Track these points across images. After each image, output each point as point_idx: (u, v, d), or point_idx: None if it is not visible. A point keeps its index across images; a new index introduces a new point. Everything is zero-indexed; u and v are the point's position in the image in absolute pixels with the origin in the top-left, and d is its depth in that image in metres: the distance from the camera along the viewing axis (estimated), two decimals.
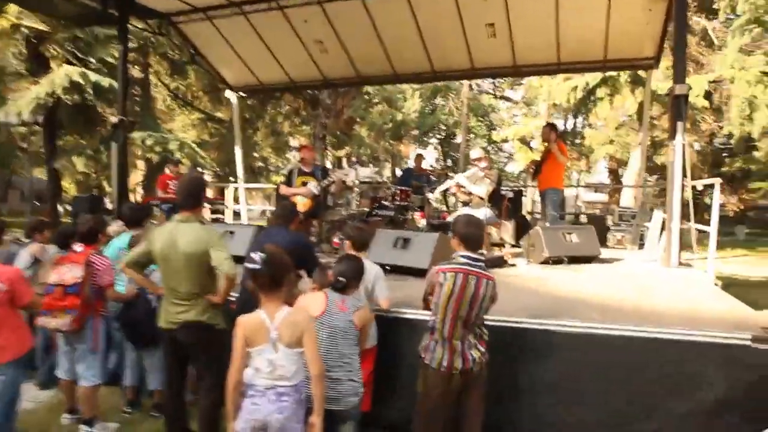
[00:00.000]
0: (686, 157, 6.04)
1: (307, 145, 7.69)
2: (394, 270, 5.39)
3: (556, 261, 6.27)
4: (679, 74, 6.23)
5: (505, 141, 22.41)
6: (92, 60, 13.74)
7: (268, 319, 2.69)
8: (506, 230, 7.98)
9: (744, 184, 20.71)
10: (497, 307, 3.39)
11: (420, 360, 3.35)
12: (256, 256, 2.72)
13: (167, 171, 9.28)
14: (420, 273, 5.17)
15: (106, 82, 12.86)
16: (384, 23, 9.63)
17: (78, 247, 4.23)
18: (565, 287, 5.02)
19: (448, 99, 23.92)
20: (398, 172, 32.25)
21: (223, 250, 3.41)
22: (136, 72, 18.29)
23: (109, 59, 14.73)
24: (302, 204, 7.28)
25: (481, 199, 6.84)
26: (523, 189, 9.98)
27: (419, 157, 10.00)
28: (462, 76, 11.39)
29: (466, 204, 7.25)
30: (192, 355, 3.58)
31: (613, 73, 11.25)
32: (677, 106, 6.12)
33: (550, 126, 8.05)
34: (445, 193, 7.99)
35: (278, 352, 2.65)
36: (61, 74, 12.13)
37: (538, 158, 8.33)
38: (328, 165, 22.86)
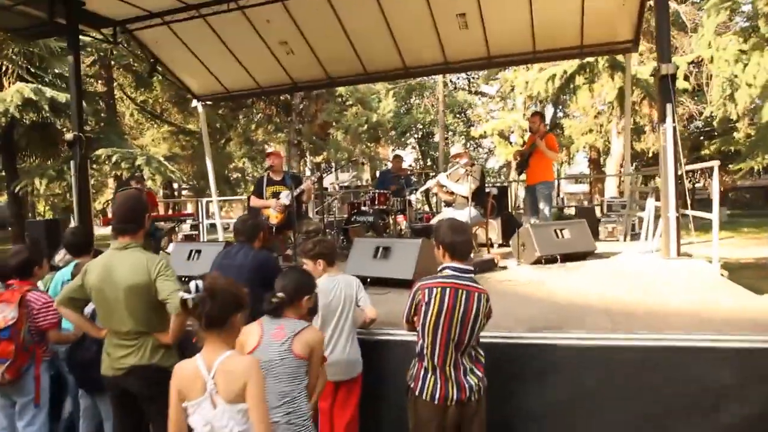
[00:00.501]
0: (677, 140, 5.66)
1: (274, 151, 7.15)
2: (375, 282, 4.92)
3: (549, 260, 5.85)
4: (665, 52, 5.86)
5: (483, 136, 22.06)
6: (46, 75, 13.03)
7: (204, 366, 2.10)
8: (493, 229, 7.55)
9: (724, 166, 20.61)
10: (492, 320, 2.94)
11: (409, 390, 2.89)
12: (193, 285, 2.16)
13: (133, 188, 8.64)
14: (404, 284, 4.72)
15: (63, 97, 12.17)
16: (350, 19, 9.18)
17: (12, 283, 3.68)
18: (564, 291, 4.59)
19: (423, 97, 23.54)
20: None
21: (170, 280, 2.89)
22: (99, 86, 17.60)
23: (66, 74, 14.05)
24: (274, 216, 6.78)
25: (465, 198, 6.40)
26: (507, 185, 9.56)
27: (397, 158, 9.56)
28: (435, 71, 10.96)
29: (449, 204, 6.81)
30: (143, 405, 3.06)
31: (591, 60, 10.92)
32: (664, 86, 5.74)
33: (539, 115, 7.62)
34: (426, 193, 7.52)
35: (217, 408, 2.07)
36: (13, 92, 11.41)
37: (522, 148, 7.90)
38: (308, 172, 22.35)
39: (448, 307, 2.73)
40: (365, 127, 19.05)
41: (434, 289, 2.77)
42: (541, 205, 7.37)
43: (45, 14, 8.59)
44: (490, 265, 5.70)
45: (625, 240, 8.12)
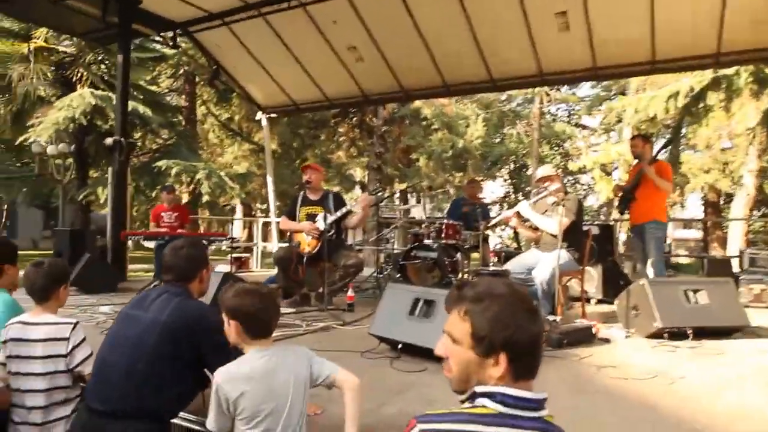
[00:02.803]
0: None
1: (312, 164, 5.84)
2: (408, 350, 3.38)
3: (675, 334, 4.02)
4: None
5: (582, 171, 19.80)
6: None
7: None
8: (590, 280, 5.76)
9: None
10: None
11: None
12: None
13: (162, 200, 7.72)
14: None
15: (137, 107, 11.78)
16: (427, 20, 7.83)
17: None
18: (711, 398, 2.80)
19: (516, 126, 21.72)
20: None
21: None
22: (182, 101, 17.50)
23: (144, 84, 13.88)
24: (307, 243, 5.44)
25: (554, 236, 4.71)
26: (612, 223, 7.63)
27: (473, 183, 7.96)
28: (528, 83, 9.32)
29: (536, 243, 5.13)
30: None
31: (729, 72, 8.69)
32: None
33: (643, 138, 5.78)
34: (497, 227, 5.89)
35: None
36: (76, 96, 11.13)
37: (623, 183, 6.07)
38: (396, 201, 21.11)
39: None
40: (450, 153, 17.56)
41: None
42: (651, 252, 5.48)
43: (98, 11, 8.03)
44: (586, 336, 3.95)
45: None
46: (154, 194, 11.90)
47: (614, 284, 6.09)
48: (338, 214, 5.39)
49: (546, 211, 4.86)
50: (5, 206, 20.69)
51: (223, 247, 8.32)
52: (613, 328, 4.22)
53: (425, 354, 3.30)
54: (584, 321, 4.12)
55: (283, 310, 5.14)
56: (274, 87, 10.02)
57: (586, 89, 30.49)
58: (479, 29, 7.73)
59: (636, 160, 5.78)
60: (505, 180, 27.98)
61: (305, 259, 5.43)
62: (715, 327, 4.10)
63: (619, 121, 21.52)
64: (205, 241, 6.91)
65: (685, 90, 8.92)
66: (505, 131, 25.49)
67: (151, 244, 6.79)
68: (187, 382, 2.12)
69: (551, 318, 4.22)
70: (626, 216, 6.14)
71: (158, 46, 13.69)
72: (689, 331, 4.00)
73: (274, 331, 1.97)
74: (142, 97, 13.39)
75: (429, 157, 18.28)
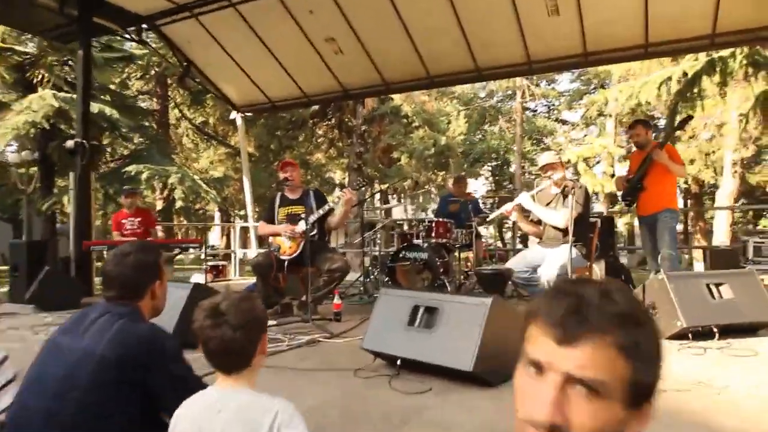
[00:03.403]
0: None
1: (289, 160, 5.32)
2: (409, 366, 2.92)
3: (700, 334, 3.63)
4: None
5: (567, 165, 19.55)
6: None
7: None
8: (593, 277, 5.34)
9: None
10: None
11: None
12: None
13: (123, 205, 7.07)
14: (457, 377, 2.72)
15: (102, 109, 11.13)
16: (409, 8, 7.40)
17: None
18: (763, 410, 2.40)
19: (498, 121, 21.41)
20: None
21: None
22: (154, 103, 16.81)
23: (112, 86, 13.21)
24: (287, 247, 4.95)
25: (560, 230, 4.31)
26: (614, 215, 7.24)
27: (459, 180, 7.53)
28: (515, 72, 8.90)
29: (539, 239, 4.72)
30: None
31: (724, 54, 8.33)
32: None
33: (644, 124, 5.39)
34: (495, 223, 5.46)
35: None
36: (35, 99, 10.45)
37: (625, 173, 5.67)
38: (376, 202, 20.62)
39: None
40: (432, 151, 17.14)
41: None
42: (664, 243, 5.10)
43: (56, 3, 7.45)
44: None
45: None
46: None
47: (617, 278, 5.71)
48: (320, 212, 4.92)
49: (550, 202, 4.45)
50: None
51: (202, 255, 7.77)
52: None
53: (428, 370, 2.86)
54: None
55: None
56: (249, 84, 9.51)
57: (565, 84, 30.41)
58: (464, 15, 7.33)
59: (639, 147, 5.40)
60: (487, 178, 27.71)
61: (286, 264, 4.94)
62: (742, 324, 3.72)
63: (601, 114, 21.39)
64: (177, 249, 6.39)
65: (677, 75, 8.62)
66: (486, 128, 25.22)
67: None
68: None
69: None
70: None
71: (126, 46, 13.07)
72: (715, 330, 3.61)
73: (249, 364, 1.44)
74: (109, 99, 12.72)
75: (411, 156, 17.85)
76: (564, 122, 27.38)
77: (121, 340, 1.59)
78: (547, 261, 4.13)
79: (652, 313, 0.71)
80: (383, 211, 8.75)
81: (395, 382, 2.82)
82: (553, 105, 27.61)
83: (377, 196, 20.93)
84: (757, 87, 8.31)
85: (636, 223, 10.87)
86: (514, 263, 4.30)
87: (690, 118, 5.33)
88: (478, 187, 28.07)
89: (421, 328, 2.91)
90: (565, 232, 4.31)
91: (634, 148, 5.60)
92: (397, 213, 18.88)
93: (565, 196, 4.34)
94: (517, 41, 7.55)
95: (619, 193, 5.44)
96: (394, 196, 26.12)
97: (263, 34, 8.37)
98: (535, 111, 27.27)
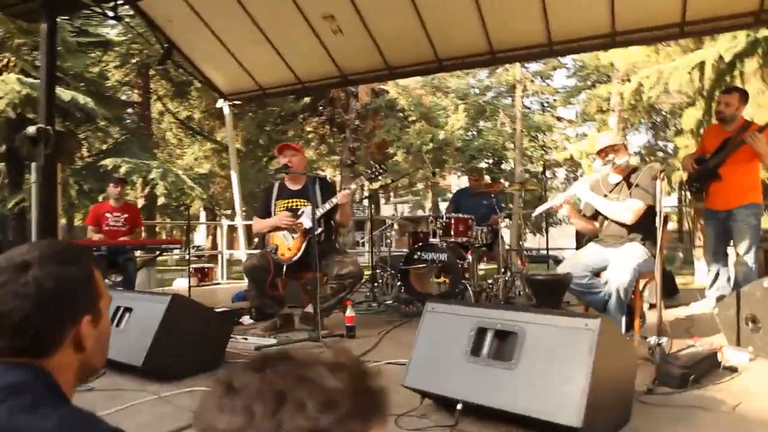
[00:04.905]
0: None
1: (290, 143, 4.44)
2: (473, 411, 2.10)
3: None
4: None
5: (571, 161, 18.81)
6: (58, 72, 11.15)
7: None
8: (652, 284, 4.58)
9: None
10: None
11: None
12: None
13: (109, 195, 6.12)
14: (546, 430, 1.90)
15: (74, 97, 10.16)
16: None
17: None
18: None
19: (499, 116, 20.65)
20: (443, 206, 28.49)
21: None
22: (135, 96, 15.81)
23: (87, 73, 12.19)
24: (287, 248, 4.10)
25: (624, 226, 3.52)
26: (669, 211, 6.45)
27: (475, 173, 6.76)
28: (532, 55, 8.06)
29: (587, 237, 3.93)
30: None
31: (762, 35, 7.53)
32: None
33: (741, 93, 4.50)
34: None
35: None
36: (1, 84, 9.44)
37: (696, 153, 4.82)
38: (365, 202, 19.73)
39: None
40: (430, 146, 16.34)
41: None
42: (743, 245, 4.33)
43: None
44: (712, 366, 2.74)
45: None
46: (101, 198, 10.31)
47: (668, 285, 4.98)
48: (327, 205, 4.08)
49: (611, 191, 3.65)
50: None
51: (186, 257, 6.90)
52: (729, 350, 3.02)
53: (505, 420, 2.03)
54: (699, 344, 2.92)
55: (260, 340, 3.82)
56: (238, 69, 8.61)
57: (560, 80, 29.82)
58: None
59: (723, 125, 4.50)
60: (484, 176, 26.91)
61: (285, 268, 4.10)
62: None
63: (601, 110, 20.75)
64: (157, 251, 5.52)
65: (713, 58, 7.86)
66: (482, 125, 24.49)
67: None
68: None
69: (650, 339, 3.02)
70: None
71: (103, 31, 12.11)
72: None
73: None
74: (84, 87, 11.74)
75: (407, 151, 17.04)
76: (560, 119, 26.74)
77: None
78: (615, 264, 3.34)
79: None
80: (372, 210, 7.90)
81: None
82: (548, 102, 26.96)
83: (366, 193, 20.14)
84: None
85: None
86: (570, 266, 3.50)
87: None
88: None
89: (489, 360, 2.09)
90: (630, 228, 3.52)
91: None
92: (386, 214, 18.09)
93: (630, 185, 3.55)
94: (538, 18, 6.77)
95: (684, 175, 4.61)
96: (384, 195, 25.29)
97: (254, 11, 7.49)
98: (529, 108, 26.62)
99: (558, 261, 6.58)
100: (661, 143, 21.22)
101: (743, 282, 4.44)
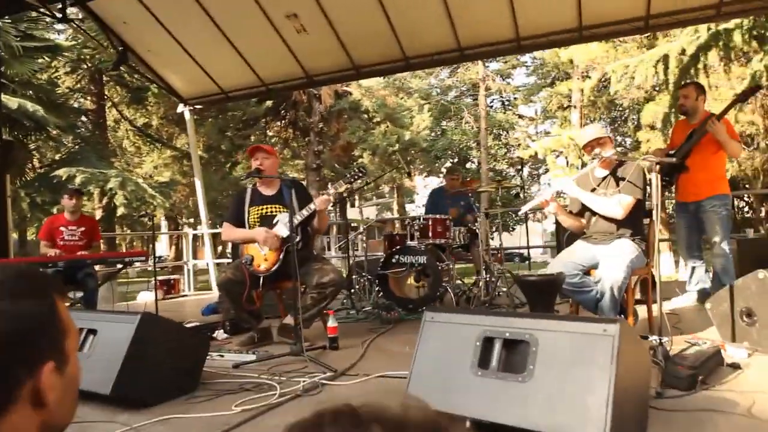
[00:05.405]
0: None
1: (262, 145, 4.21)
2: (481, 428, 1.94)
3: None
4: None
5: (535, 158, 18.99)
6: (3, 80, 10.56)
7: None
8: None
9: None
10: None
11: None
12: None
13: (64, 207, 5.68)
14: None
15: (20, 103, 9.62)
16: None
17: None
18: None
19: (462, 118, 20.71)
20: (410, 208, 28.36)
21: None
22: (88, 104, 15.16)
23: (36, 81, 11.58)
24: (263, 258, 3.87)
25: (612, 221, 3.43)
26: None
27: (452, 172, 6.64)
28: (501, 51, 7.99)
29: (572, 234, 3.83)
30: None
31: (729, 26, 7.69)
32: None
33: (696, 86, 4.64)
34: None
35: None
36: None
37: (667, 148, 4.86)
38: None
39: None
40: (397, 147, 16.21)
41: None
42: (716, 236, 4.33)
43: None
44: (716, 365, 2.65)
45: None
46: (56, 210, 9.77)
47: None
48: (305, 212, 3.87)
49: (598, 185, 3.57)
50: None
51: (150, 269, 6.57)
52: (730, 346, 2.95)
53: None
54: (702, 340, 2.83)
55: (238, 357, 3.58)
56: (198, 72, 8.29)
57: (521, 78, 30.22)
58: None
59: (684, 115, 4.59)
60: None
61: (261, 280, 3.87)
62: None
63: (562, 107, 21.05)
64: (119, 264, 5.19)
65: (675, 51, 7.97)
66: (445, 125, 24.57)
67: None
68: None
69: (650, 339, 2.92)
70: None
71: (52, 36, 11.53)
72: None
73: None
74: (33, 94, 11.16)
75: (373, 153, 16.88)
76: (521, 116, 27.08)
77: None
78: (606, 261, 3.25)
79: None
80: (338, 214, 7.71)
81: None
82: (509, 100, 27.26)
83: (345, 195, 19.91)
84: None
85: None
86: (561, 265, 3.39)
87: (758, 88, 4.60)
88: (439, 184, 27.43)
89: (498, 372, 1.93)
90: (619, 223, 3.44)
91: None
92: (351, 217, 17.88)
93: (617, 179, 3.46)
94: (506, 13, 6.71)
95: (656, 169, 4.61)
96: (349, 199, 25.08)
97: (213, 11, 7.20)
98: (491, 106, 26.86)
99: (525, 258, 6.53)
100: (619, 138, 21.65)
101: (721, 272, 4.45)
